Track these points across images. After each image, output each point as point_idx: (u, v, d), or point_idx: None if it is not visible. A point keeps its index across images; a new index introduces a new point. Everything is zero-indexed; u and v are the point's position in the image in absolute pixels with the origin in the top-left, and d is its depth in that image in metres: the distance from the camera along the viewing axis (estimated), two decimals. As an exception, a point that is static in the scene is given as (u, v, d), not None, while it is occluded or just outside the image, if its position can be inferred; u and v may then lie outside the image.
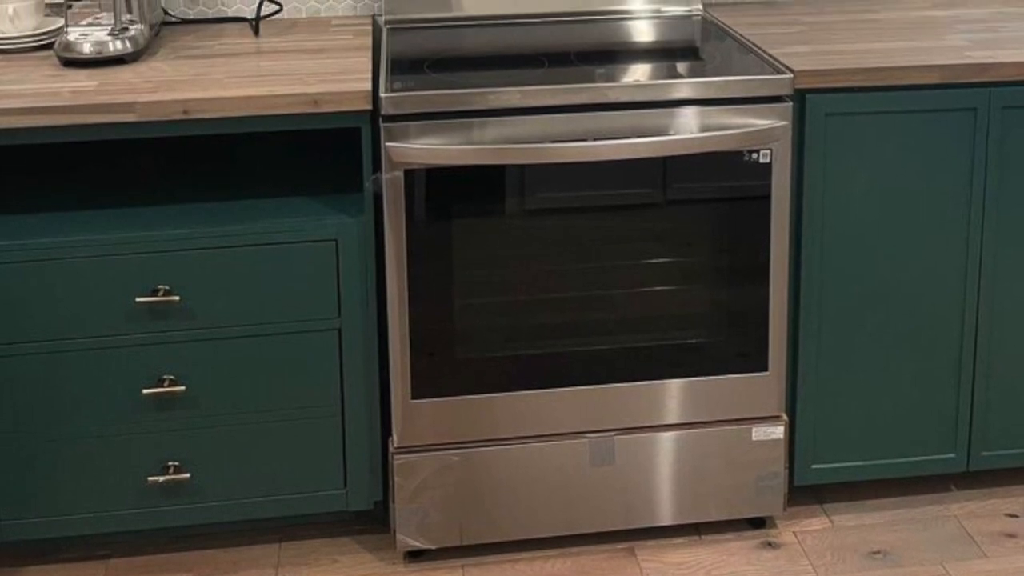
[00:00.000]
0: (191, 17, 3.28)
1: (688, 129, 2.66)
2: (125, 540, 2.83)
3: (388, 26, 3.16)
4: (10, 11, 2.93)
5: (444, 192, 2.65)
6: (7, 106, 2.49)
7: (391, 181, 2.59)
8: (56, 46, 2.80)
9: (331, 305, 2.66)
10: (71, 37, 2.80)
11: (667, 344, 2.82)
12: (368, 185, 2.64)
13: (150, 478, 2.66)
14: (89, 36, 2.80)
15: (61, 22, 2.90)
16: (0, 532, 2.66)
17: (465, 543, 2.80)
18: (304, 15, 3.34)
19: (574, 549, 2.84)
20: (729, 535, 2.90)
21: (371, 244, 2.66)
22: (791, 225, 2.78)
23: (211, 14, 3.29)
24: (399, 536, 2.75)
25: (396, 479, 2.73)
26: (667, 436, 2.82)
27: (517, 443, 2.77)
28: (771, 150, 2.68)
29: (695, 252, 2.81)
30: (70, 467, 2.66)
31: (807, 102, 2.73)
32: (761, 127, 2.67)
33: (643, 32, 3.25)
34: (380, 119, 2.58)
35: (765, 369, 2.82)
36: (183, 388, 2.64)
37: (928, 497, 3.05)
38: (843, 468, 2.96)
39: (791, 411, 2.89)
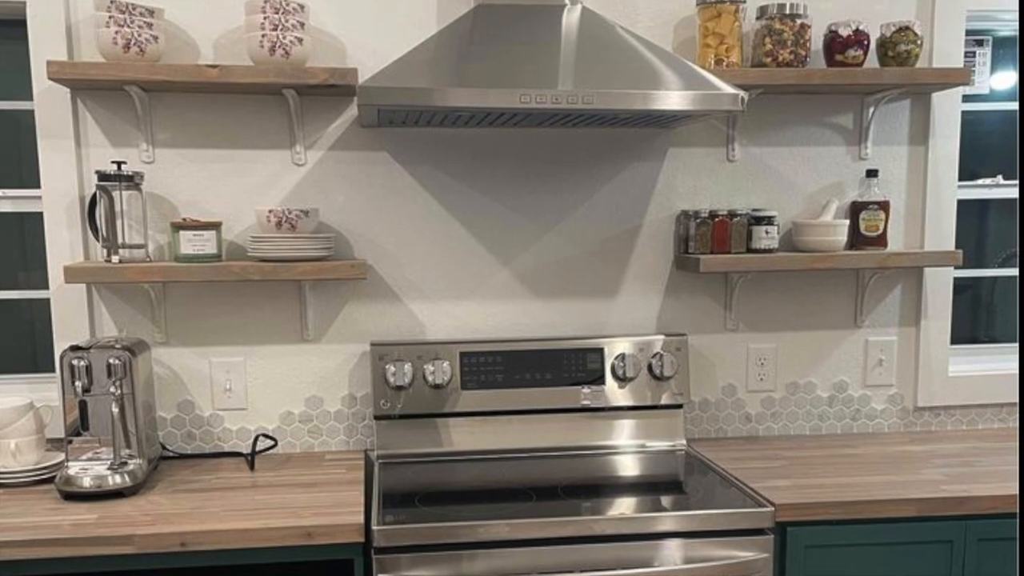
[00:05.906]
0: (188, 452, 3.51)
1: (672, 561, 2.83)
2: None
3: (380, 461, 3.40)
4: (12, 446, 3.15)
5: (435, 621, 2.79)
6: (9, 539, 2.65)
7: (383, 611, 2.75)
8: (57, 480, 3.02)
9: None
10: (71, 471, 3.02)
11: None
12: (361, 616, 2.79)
13: None
14: (89, 470, 3.02)
15: (62, 456, 3.13)
16: None
17: None
18: (298, 450, 3.57)
19: None
20: None
21: (362, 669, 2.80)
22: (775, 656, 2.93)
23: (208, 449, 3.53)
24: None
25: None
26: None
27: None
28: (753, 581, 2.86)
29: None
30: None
31: (788, 535, 2.92)
32: (743, 559, 2.84)
33: (628, 466, 3.41)
34: (372, 551, 2.74)
35: None
36: None
37: None
38: None
39: None
